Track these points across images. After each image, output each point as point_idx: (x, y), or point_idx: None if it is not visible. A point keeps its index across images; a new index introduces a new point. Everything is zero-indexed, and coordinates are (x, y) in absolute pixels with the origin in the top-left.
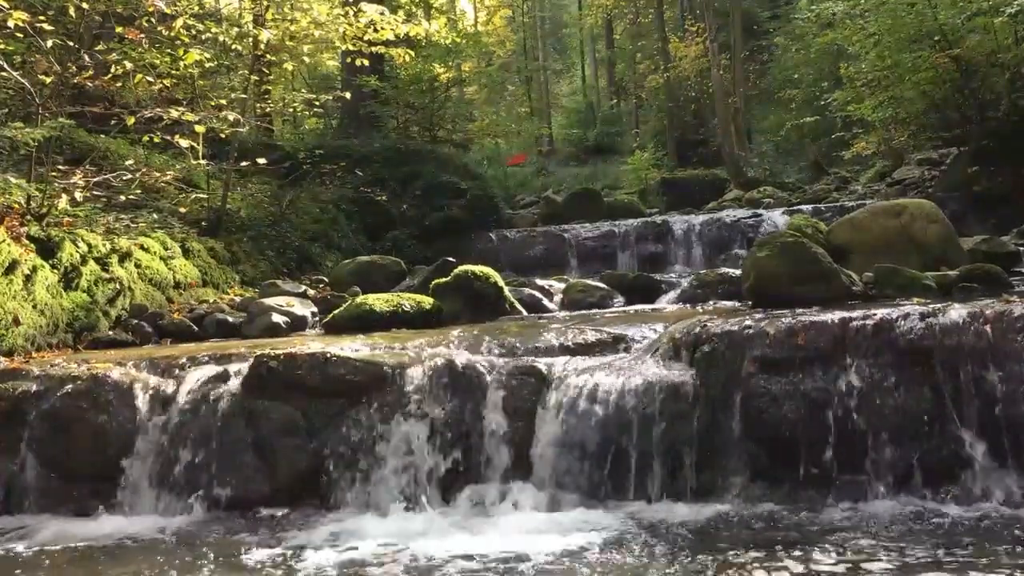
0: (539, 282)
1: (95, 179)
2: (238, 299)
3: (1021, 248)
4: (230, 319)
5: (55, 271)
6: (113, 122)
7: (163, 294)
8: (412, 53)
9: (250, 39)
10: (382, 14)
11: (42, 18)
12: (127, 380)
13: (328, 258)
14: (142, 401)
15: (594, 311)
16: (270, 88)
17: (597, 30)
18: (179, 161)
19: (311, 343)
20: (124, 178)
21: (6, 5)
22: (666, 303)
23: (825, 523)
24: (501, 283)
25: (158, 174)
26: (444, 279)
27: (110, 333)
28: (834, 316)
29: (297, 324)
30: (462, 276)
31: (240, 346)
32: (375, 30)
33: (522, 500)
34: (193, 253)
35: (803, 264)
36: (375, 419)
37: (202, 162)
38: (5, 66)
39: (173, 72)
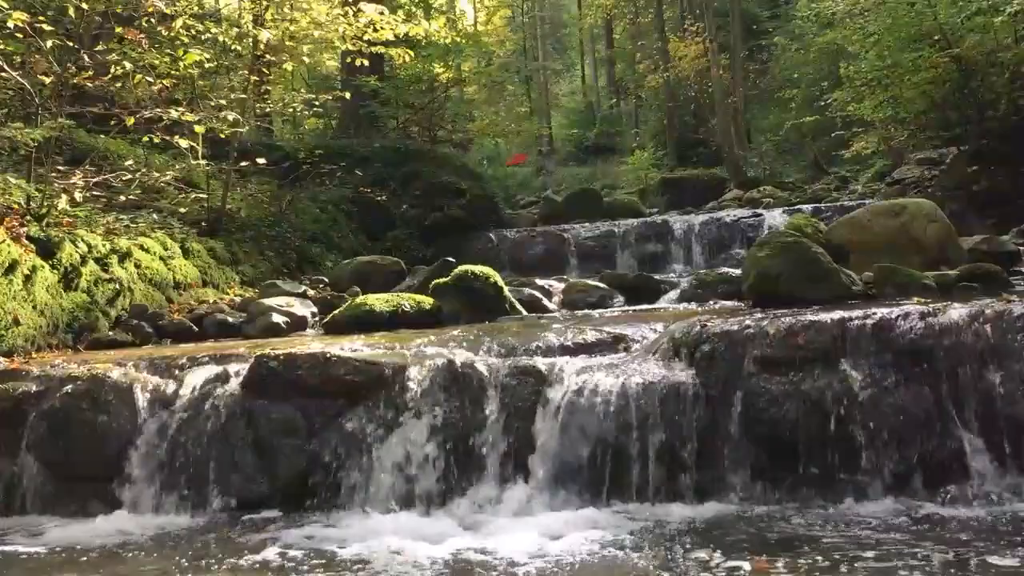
0: (539, 282)
1: (95, 179)
2: (238, 299)
3: (1021, 247)
4: (230, 319)
5: (55, 271)
6: (113, 122)
7: (163, 294)
8: (412, 53)
9: (250, 39)
10: (382, 14)
11: (42, 18)
12: (127, 380)
13: (328, 258)
14: (142, 401)
15: (594, 311)
16: (270, 88)
17: (597, 30)
18: (179, 161)
19: (311, 343)
20: (124, 178)
21: (6, 5)
22: (666, 303)
23: (824, 523)
24: (501, 283)
25: (158, 174)
26: (444, 279)
27: (110, 333)
28: (834, 316)
29: (297, 324)
30: (462, 276)
31: (240, 346)
32: (375, 30)
33: (521, 500)
34: (193, 253)
35: (803, 264)
36: (375, 419)
37: (202, 162)
38: (5, 66)
39: (173, 72)
